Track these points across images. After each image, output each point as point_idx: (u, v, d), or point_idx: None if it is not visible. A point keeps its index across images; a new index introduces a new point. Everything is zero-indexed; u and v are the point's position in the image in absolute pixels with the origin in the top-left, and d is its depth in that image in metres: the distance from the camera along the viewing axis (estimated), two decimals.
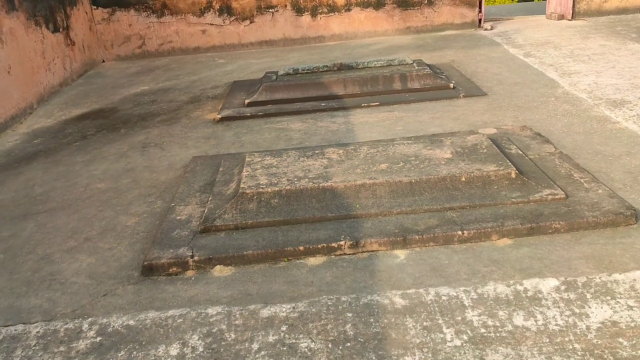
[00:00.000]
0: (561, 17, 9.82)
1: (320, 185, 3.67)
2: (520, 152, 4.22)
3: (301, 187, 3.66)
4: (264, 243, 3.30)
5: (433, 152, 4.02)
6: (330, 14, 9.44)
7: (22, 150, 5.49)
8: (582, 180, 3.76)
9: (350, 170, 3.84)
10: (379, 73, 6.40)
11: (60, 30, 7.91)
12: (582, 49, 7.64)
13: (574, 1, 9.69)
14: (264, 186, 3.68)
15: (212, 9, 9.24)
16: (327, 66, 6.82)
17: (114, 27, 9.18)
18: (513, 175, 3.66)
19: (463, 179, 3.65)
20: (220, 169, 4.33)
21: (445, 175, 3.67)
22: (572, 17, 9.76)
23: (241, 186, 3.70)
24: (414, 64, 6.65)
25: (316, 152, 4.21)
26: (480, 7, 9.67)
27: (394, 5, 9.48)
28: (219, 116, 5.92)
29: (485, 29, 9.56)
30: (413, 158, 3.94)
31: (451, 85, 6.21)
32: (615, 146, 4.41)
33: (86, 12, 8.87)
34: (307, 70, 6.79)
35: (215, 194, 3.88)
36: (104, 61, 9.34)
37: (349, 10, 9.44)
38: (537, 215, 3.36)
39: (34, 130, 6.08)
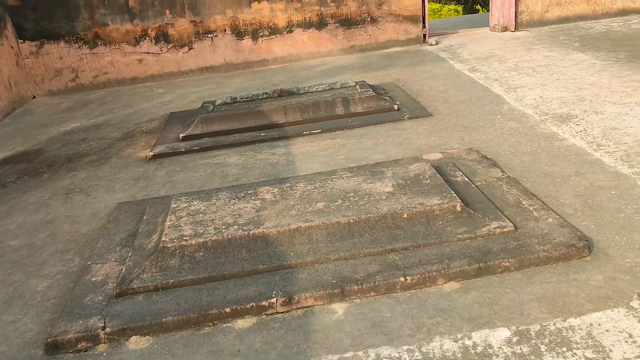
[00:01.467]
0: (505, 28, 9.79)
1: (251, 232, 3.33)
2: (467, 179, 3.97)
3: (229, 236, 3.31)
4: (186, 306, 2.94)
5: (373, 186, 3.73)
6: (272, 37, 9.16)
7: None
8: (531, 208, 3.53)
9: (284, 213, 3.52)
10: (320, 98, 6.12)
11: None
12: (527, 61, 7.54)
13: (516, 12, 9.68)
14: (187, 238, 3.32)
15: (147, 37, 8.84)
16: (267, 93, 6.51)
17: (43, 60, 8.67)
18: (458, 208, 3.40)
19: (405, 216, 3.37)
20: (145, 217, 3.94)
21: (385, 212, 3.38)
22: (515, 28, 9.73)
23: (162, 239, 3.33)
24: (357, 86, 6.40)
25: (249, 192, 3.88)
26: (424, 23, 9.55)
27: (337, 24, 9.27)
28: (151, 153, 5.52)
29: (431, 44, 9.44)
30: (352, 194, 3.65)
31: (395, 106, 5.98)
32: (563, 166, 4.21)
33: (12, 47, 8.36)
34: (246, 98, 6.46)
35: (135, 249, 3.49)
36: (34, 97, 8.81)
37: (290, 31, 9.17)
38: (485, 252, 3.09)
39: None
